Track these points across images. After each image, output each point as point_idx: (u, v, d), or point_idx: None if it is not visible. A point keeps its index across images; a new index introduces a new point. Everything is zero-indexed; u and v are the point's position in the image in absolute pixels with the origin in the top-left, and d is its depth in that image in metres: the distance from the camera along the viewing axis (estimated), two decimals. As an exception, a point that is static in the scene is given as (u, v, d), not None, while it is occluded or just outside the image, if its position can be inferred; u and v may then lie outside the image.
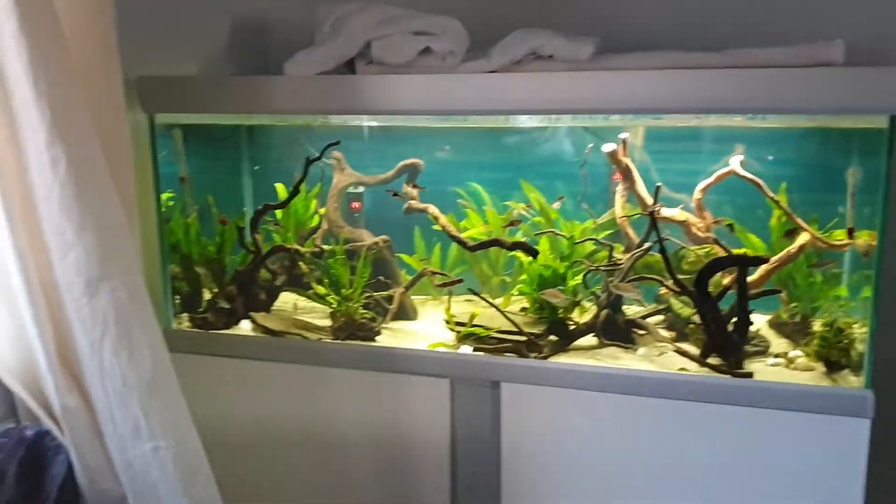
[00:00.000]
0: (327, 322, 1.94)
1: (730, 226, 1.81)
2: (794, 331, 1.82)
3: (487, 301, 1.85)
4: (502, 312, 1.80)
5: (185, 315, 2.00)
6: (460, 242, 1.87)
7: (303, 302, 2.11)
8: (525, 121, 1.92)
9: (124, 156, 1.61)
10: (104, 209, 1.36)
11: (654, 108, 1.62)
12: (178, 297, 2.01)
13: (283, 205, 1.99)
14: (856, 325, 1.67)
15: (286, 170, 2.13)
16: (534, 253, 1.76)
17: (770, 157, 1.87)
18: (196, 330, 1.95)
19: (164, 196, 1.95)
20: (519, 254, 1.87)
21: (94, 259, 1.34)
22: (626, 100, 1.60)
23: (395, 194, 2.00)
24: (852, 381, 1.61)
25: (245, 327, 1.98)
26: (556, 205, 1.94)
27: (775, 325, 1.89)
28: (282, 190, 2.07)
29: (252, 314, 1.97)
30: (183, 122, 2.03)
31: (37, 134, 1.26)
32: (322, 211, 2.11)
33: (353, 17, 1.76)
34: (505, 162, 2.09)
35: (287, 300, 2.13)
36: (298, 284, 2.09)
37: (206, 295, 2.06)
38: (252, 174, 2.27)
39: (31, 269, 1.32)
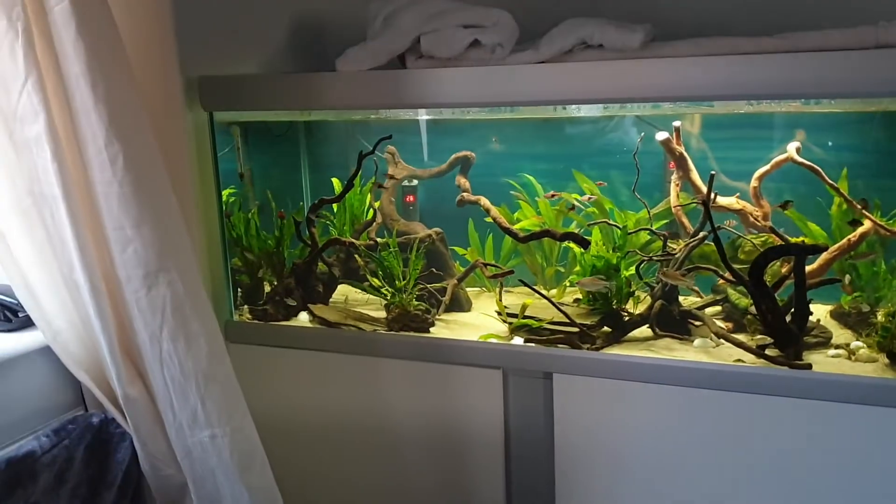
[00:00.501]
0: (382, 314, 1.97)
1: (784, 205, 1.75)
2: (857, 321, 1.77)
3: (538, 293, 1.84)
4: (553, 304, 1.80)
5: (245, 307, 2.05)
6: (511, 234, 1.87)
7: (359, 294, 2.14)
8: (576, 111, 1.91)
9: (182, 153, 1.67)
10: (161, 204, 1.41)
11: (707, 95, 1.59)
12: (239, 289, 2.07)
13: (338, 199, 2.02)
14: (921, 316, 1.62)
15: (342, 164, 2.17)
16: (585, 244, 1.75)
17: (829, 143, 1.81)
18: (256, 322, 2.00)
19: (226, 192, 2.01)
20: (571, 244, 1.86)
21: (152, 252, 1.40)
22: (678, 87, 1.57)
23: (380, 186, 2.03)
24: (918, 374, 1.56)
25: (303, 319, 2.02)
26: (588, 198, 1.93)
27: (837, 316, 1.84)
28: (338, 184, 2.11)
29: (310, 306, 2.01)
30: (243, 119, 2.08)
31: (96, 134, 1.32)
32: (376, 204, 2.14)
33: (404, 12, 1.77)
34: (557, 152, 2.08)
35: (345, 292, 2.17)
36: (354, 277, 2.12)
37: (267, 288, 2.11)
38: (310, 168, 2.31)
39: (93, 264, 1.38)
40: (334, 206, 2.10)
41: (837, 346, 1.68)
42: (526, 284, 1.84)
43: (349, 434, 1.92)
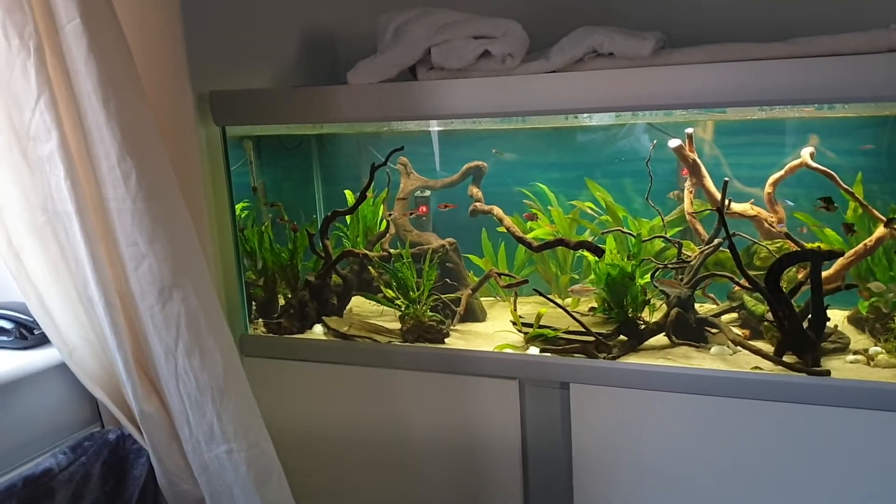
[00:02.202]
0: (397, 325, 1.97)
1: (827, 203, 1.71)
2: (876, 326, 1.75)
3: (554, 302, 1.83)
4: (569, 313, 1.79)
5: (260, 321, 2.05)
6: (525, 243, 1.87)
7: (373, 306, 2.14)
8: (588, 119, 1.90)
9: (195, 168, 1.67)
10: (174, 220, 1.42)
11: (720, 101, 1.58)
12: (254, 303, 2.07)
13: (351, 211, 2.02)
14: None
15: (354, 176, 2.18)
16: (599, 252, 1.75)
17: (871, 146, 1.80)
18: (271, 335, 2.00)
19: (239, 206, 2.01)
20: (585, 253, 1.86)
21: (166, 268, 1.40)
22: (690, 95, 1.56)
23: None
24: (938, 379, 1.54)
25: (318, 331, 2.02)
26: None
27: (854, 321, 1.82)
28: (351, 196, 2.11)
29: (324, 318, 2.01)
30: (255, 133, 2.09)
31: (108, 151, 1.32)
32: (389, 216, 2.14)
33: (414, 24, 1.78)
34: (569, 161, 2.07)
35: (359, 304, 2.17)
36: (367, 289, 2.12)
37: (281, 301, 2.11)
38: (322, 180, 2.31)
39: (107, 280, 1.38)
40: (347, 217, 2.10)
41: (856, 352, 1.66)
42: (541, 294, 1.83)
43: (365, 446, 1.91)
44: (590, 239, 1.86)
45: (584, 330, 1.77)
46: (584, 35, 1.67)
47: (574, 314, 1.78)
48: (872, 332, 1.75)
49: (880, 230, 1.69)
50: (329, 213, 2.01)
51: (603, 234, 1.88)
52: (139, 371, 1.47)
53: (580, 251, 1.84)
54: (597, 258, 1.80)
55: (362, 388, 1.89)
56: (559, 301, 1.86)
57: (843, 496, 1.55)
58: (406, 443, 1.88)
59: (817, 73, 1.46)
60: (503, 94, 1.67)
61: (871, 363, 1.62)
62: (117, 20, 1.34)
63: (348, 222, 2.13)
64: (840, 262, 1.73)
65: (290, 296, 2.06)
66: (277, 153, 2.23)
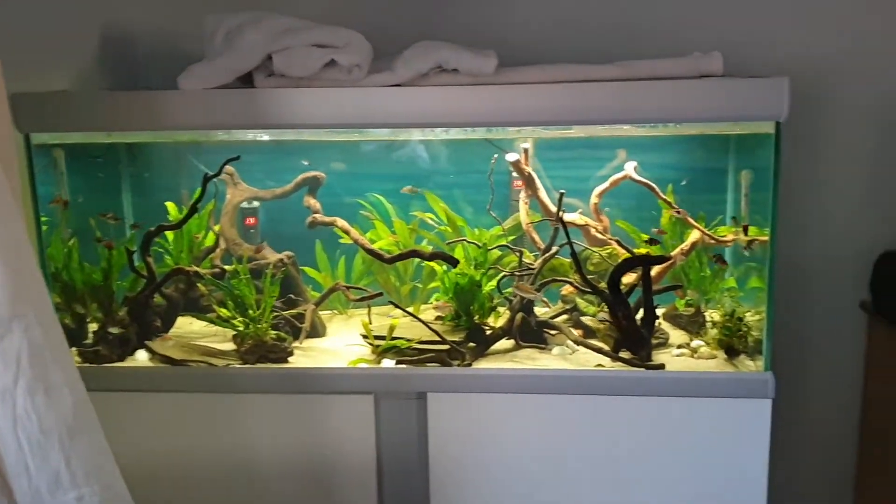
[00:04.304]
0: (231, 346, 1.86)
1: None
2: (689, 322, 1.94)
3: (409, 313, 1.84)
4: (425, 324, 1.80)
5: (73, 350, 1.84)
6: (375, 255, 1.85)
7: (194, 326, 2.00)
8: (430, 132, 1.92)
9: (15, 179, 1.47)
10: (12, 240, 1.24)
11: (556, 119, 1.69)
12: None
13: (180, 225, 1.87)
14: (748, 314, 1.81)
15: (169, 187, 2.04)
16: (454, 262, 1.78)
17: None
18: (87, 364, 1.80)
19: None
20: (433, 263, 1.88)
21: (5, 296, 1.21)
22: (528, 113, 1.66)
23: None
24: (750, 366, 1.74)
25: (141, 358, 1.85)
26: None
27: (670, 318, 2.01)
28: (172, 208, 1.95)
29: (148, 343, 1.86)
30: (53, 141, 1.87)
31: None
32: (216, 228, 2.01)
33: (250, 28, 1.70)
34: (404, 172, 2.06)
35: (180, 325, 2.01)
36: (196, 308, 1.98)
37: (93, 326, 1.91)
38: (133, 192, 2.11)
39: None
40: (168, 233, 1.94)
41: (680, 346, 1.84)
42: (397, 306, 1.83)
43: (213, 478, 1.78)
44: (431, 249, 1.89)
45: (436, 339, 1.79)
46: (429, 49, 1.69)
47: (428, 324, 1.80)
48: (687, 327, 1.95)
49: (694, 236, 1.89)
50: (153, 228, 1.85)
51: (448, 244, 1.91)
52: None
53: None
54: (446, 267, 1.83)
55: (202, 416, 1.76)
56: (411, 311, 1.87)
57: (684, 477, 1.71)
58: (256, 469, 1.77)
59: (643, 95, 1.61)
60: (350, 106, 1.66)
61: (695, 355, 1.80)
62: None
63: (169, 238, 1.96)
64: (659, 266, 1.90)
65: (104, 320, 1.87)
66: (80, 163, 1.99)
